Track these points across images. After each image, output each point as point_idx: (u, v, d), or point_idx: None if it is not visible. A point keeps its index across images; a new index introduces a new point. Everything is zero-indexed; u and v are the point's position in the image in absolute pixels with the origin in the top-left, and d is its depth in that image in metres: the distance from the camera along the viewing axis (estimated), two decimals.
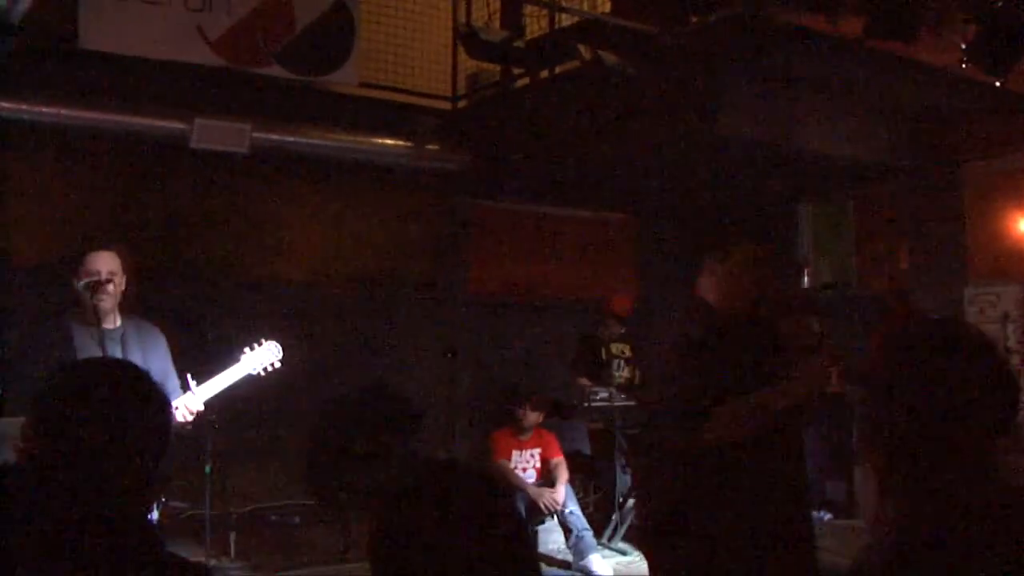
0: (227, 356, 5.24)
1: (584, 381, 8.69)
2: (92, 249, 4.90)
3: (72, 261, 4.85)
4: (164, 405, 2.17)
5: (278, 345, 5.21)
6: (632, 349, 8.99)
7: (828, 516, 8.93)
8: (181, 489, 5.99)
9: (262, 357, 5.18)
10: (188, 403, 4.94)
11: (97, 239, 5.02)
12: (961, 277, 8.99)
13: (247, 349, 5.16)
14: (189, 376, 5.00)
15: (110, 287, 4.83)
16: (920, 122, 8.95)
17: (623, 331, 9.01)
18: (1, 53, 6.12)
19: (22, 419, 2.08)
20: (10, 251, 7.90)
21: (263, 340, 5.21)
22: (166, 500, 5.07)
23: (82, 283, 4.76)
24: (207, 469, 6.14)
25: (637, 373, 8.94)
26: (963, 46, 6.58)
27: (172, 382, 5.11)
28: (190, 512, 6.83)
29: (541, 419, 8.17)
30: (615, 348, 8.90)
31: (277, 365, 5.22)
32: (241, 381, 5.13)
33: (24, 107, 7.54)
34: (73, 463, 1.91)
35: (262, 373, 5.17)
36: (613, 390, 8.11)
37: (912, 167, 9.14)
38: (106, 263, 4.87)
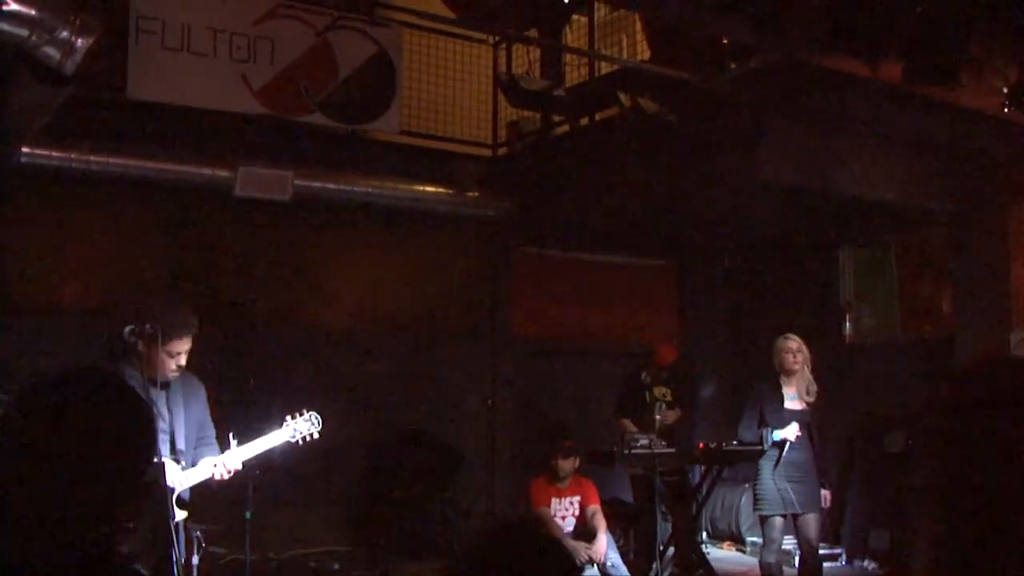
0: (269, 410, 5.30)
1: (627, 423, 8.64)
2: (179, 335, 4.93)
3: (134, 312, 4.94)
4: (146, 420, 1.97)
5: (319, 417, 5.35)
6: (674, 393, 8.94)
7: (873, 565, 8.79)
8: (221, 535, 6.00)
9: (302, 427, 5.30)
10: (227, 461, 5.02)
11: (183, 321, 5.05)
12: (1006, 321, 8.87)
13: (288, 417, 5.28)
14: (231, 435, 5.08)
15: (183, 361, 4.97)
16: (963, 165, 8.89)
17: (665, 376, 8.96)
18: (54, 104, 6.24)
19: None
20: (55, 297, 8.02)
21: (305, 410, 5.34)
22: (206, 546, 5.10)
23: (127, 329, 4.82)
24: (247, 515, 6.15)
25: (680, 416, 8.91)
26: (1004, 90, 6.55)
27: (210, 431, 5.19)
28: (230, 558, 6.85)
29: (576, 466, 8.14)
30: (658, 392, 8.86)
31: (315, 436, 5.34)
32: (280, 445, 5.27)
33: (73, 156, 7.69)
34: (41, 485, 1.78)
35: (300, 442, 5.30)
36: (652, 437, 8.06)
37: (955, 210, 9.07)
38: (186, 345, 4.97)
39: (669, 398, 8.88)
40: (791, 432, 7.10)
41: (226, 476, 5.05)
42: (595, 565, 7.72)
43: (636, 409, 8.82)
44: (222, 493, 5.21)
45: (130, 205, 8.34)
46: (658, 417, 8.54)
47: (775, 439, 7.10)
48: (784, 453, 7.09)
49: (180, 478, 4.95)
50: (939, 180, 8.90)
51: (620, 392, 9.07)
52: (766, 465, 7.17)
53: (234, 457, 5.06)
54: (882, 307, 10.27)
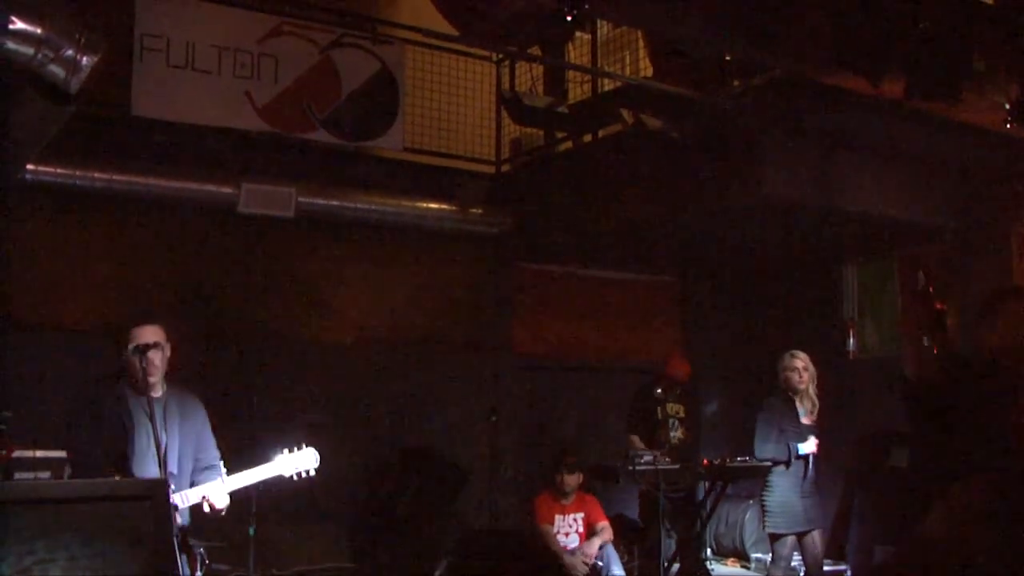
0: (272, 427, 5.24)
1: (636, 440, 8.53)
2: (137, 323, 4.99)
3: (119, 331, 4.95)
4: None
5: (316, 453, 5.21)
6: (687, 410, 8.77)
7: None
8: (224, 551, 5.98)
9: (298, 462, 5.17)
10: (215, 495, 4.94)
11: (142, 312, 5.08)
12: None
13: (284, 451, 5.16)
14: (222, 464, 5.03)
15: (156, 358, 4.92)
16: (966, 181, 8.89)
17: (679, 392, 8.80)
18: (59, 121, 6.27)
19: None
20: (59, 314, 8.02)
21: (303, 445, 5.20)
22: (209, 562, 5.08)
23: (131, 347, 4.84)
24: (251, 531, 6.14)
25: (691, 434, 8.76)
26: (1006, 106, 6.56)
27: (211, 452, 5.15)
28: (234, 574, 6.83)
29: (580, 482, 8.11)
30: (671, 408, 8.65)
31: (312, 473, 5.20)
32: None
33: (77, 173, 7.72)
34: None
35: (295, 478, 5.16)
36: (656, 453, 8.00)
37: (958, 226, 9.06)
38: (152, 335, 4.95)
39: (682, 415, 8.72)
40: (812, 446, 7.11)
41: (219, 507, 4.95)
42: None
43: (648, 425, 8.63)
44: (214, 521, 5.12)
45: (134, 222, 8.35)
46: (673, 434, 8.46)
47: (801, 452, 7.10)
48: (809, 467, 7.11)
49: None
50: (942, 196, 8.90)
51: (631, 408, 8.83)
52: (783, 481, 7.13)
53: (222, 491, 4.95)
54: (885, 322, 10.25)
